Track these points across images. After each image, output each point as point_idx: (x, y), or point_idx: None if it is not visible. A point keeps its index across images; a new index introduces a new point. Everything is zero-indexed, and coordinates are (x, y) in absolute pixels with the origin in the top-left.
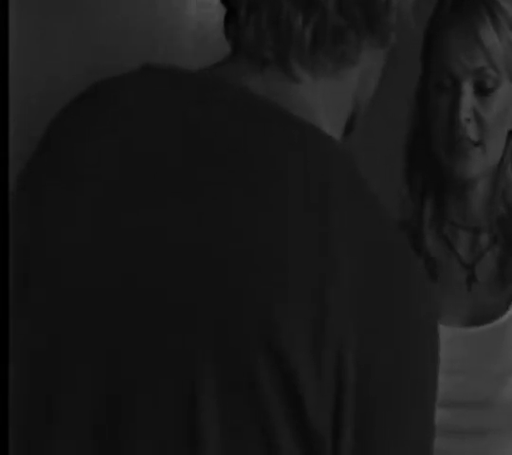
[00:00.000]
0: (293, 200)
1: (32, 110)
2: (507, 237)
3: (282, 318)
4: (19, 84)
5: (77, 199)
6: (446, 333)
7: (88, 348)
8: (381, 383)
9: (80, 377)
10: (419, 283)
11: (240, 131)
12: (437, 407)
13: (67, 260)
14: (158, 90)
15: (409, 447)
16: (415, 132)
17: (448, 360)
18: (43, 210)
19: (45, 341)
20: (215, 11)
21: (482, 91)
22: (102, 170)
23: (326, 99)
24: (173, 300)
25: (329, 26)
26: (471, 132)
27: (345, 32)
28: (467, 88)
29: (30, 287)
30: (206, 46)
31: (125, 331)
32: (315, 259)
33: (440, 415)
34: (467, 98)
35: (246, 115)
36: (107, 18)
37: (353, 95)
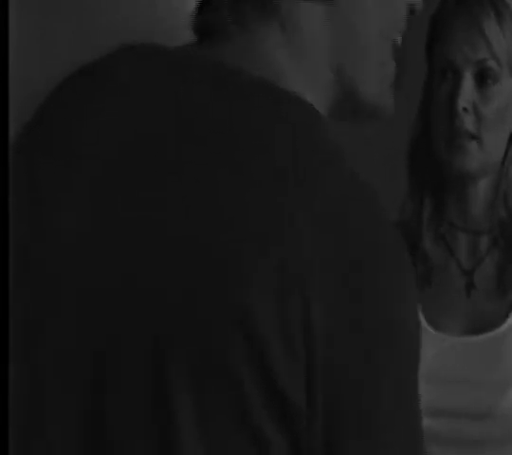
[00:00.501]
0: (279, 174)
1: (32, 110)
2: (507, 240)
3: (252, 293)
4: (19, 84)
5: (74, 177)
6: (444, 341)
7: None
8: (349, 378)
9: (79, 378)
10: (396, 271)
11: (226, 106)
12: (435, 416)
13: (66, 247)
14: (152, 67)
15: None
16: (418, 130)
17: (446, 369)
18: (39, 190)
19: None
20: None
21: (482, 83)
22: (100, 148)
23: (295, 56)
24: (145, 272)
25: None
26: (469, 124)
27: None
28: (468, 78)
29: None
30: None
31: (121, 330)
32: (280, 232)
33: (438, 424)
34: (467, 87)
35: (231, 90)
36: (107, 18)
37: (329, 58)
